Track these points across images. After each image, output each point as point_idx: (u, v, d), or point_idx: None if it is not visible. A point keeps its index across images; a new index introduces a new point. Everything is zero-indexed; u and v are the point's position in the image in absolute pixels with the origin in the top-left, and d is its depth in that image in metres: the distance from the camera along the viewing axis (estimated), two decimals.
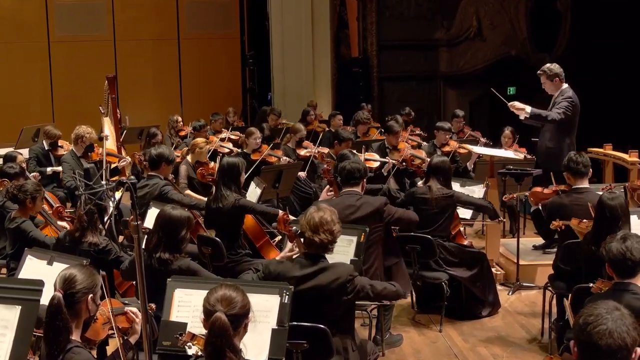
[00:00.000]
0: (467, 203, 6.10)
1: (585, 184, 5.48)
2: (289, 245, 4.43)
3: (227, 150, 9.32)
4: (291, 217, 5.22)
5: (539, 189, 6.05)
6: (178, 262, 4.31)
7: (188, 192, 7.37)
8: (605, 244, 3.70)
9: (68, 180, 7.94)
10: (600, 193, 5.25)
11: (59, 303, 3.08)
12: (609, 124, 11.07)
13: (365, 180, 5.43)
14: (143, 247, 4.16)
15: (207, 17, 15.40)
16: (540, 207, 5.94)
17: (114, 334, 3.44)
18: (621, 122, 11.36)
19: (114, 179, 7.40)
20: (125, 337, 3.50)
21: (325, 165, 7.45)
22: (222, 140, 9.89)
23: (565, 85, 7.19)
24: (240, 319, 2.94)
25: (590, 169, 5.59)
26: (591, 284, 4.08)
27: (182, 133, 10.68)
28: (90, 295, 3.22)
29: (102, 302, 3.38)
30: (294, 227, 4.27)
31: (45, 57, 14.48)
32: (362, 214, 5.09)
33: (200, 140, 7.98)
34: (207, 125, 10.24)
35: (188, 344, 3.01)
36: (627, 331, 2.34)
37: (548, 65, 7.27)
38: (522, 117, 7.35)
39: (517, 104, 7.18)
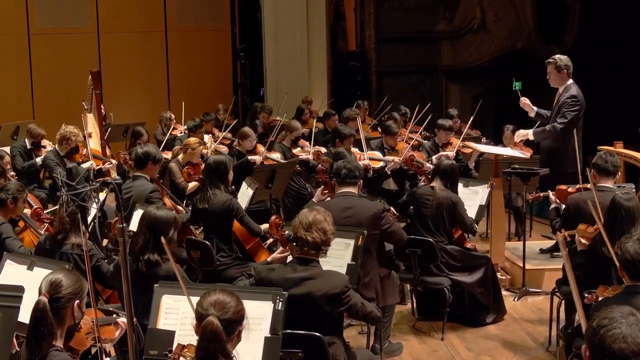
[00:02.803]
0: (459, 217, 6.08)
1: (609, 184, 5.52)
2: (281, 248, 4.45)
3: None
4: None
5: (563, 186, 6.08)
6: (166, 266, 4.31)
7: (190, 185, 7.47)
8: (620, 244, 3.71)
9: (59, 177, 7.93)
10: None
11: (44, 308, 3.11)
12: (618, 121, 11.06)
13: (362, 181, 5.44)
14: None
15: (196, 9, 15.37)
16: (559, 205, 5.98)
17: (97, 344, 3.45)
18: (631, 119, 11.35)
19: (98, 180, 7.39)
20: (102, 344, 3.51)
21: (320, 165, 7.45)
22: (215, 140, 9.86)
23: (570, 81, 7.23)
24: (233, 324, 2.95)
25: (619, 172, 5.66)
26: (586, 294, 4.09)
27: (175, 132, 10.57)
28: (77, 301, 3.23)
29: (86, 310, 3.39)
30: (286, 232, 4.28)
31: (24, 50, 14.42)
32: (360, 220, 5.08)
33: (193, 140, 7.98)
34: (203, 126, 10.18)
35: None
36: None
37: (559, 55, 7.33)
38: (531, 115, 7.47)
39: (525, 100, 7.48)
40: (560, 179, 6.52)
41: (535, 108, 7.51)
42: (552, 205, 6.12)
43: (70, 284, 3.23)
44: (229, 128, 10.39)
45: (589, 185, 5.77)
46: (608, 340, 2.36)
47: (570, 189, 5.99)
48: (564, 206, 5.94)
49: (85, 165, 7.92)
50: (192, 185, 7.57)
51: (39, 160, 8.65)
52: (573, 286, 3.36)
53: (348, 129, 8.64)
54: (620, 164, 7.83)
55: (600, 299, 3.99)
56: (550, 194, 6.17)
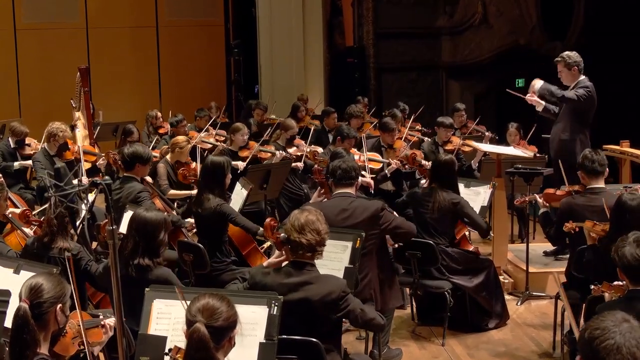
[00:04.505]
0: (467, 216, 6.06)
1: (600, 184, 5.50)
2: (277, 252, 4.44)
3: (209, 146, 9.28)
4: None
5: (551, 190, 6.08)
6: (157, 271, 4.30)
7: (172, 191, 7.37)
8: (617, 248, 3.71)
9: (43, 179, 7.93)
10: (617, 194, 5.28)
11: (25, 314, 3.08)
12: (625, 118, 11.08)
13: (359, 181, 5.44)
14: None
15: (188, 3, 15.38)
16: (548, 209, 5.99)
17: (84, 349, 3.43)
18: (637, 118, 11.37)
19: (92, 179, 7.38)
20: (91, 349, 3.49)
21: (316, 165, 7.44)
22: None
23: (582, 77, 7.27)
24: (223, 331, 2.92)
25: (607, 169, 5.63)
26: (592, 286, 4.11)
27: (162, 130, 10.59)
28: (59, 305, 3.21)
29: (71, 313, 3.37)
30: (281, 234, 4.28)
31: (11, 46, 14.42)
32: (357, 221, 5.06)
33: (181, 138, 7.94)
34: (185, 119, 10.19)
35: None
36: (637, 345, 2.29)
37: (567, 52, 7.36)
38: (539, 109, 7.46)
39: (535, 97, 7.42)
40: (565, 171, 6.51)
41: (543, 102, 7.44)
42: (541, 210, 6.10)
43: (51, 287, 3.20)
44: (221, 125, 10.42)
45: (577, 187, 5.78)
46: (602, 353, 2.29)
47: (558, 192, 5.99)
48: (549, 209, 5.95)
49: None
50: (174, 192, 7.41)
51: (16, 164, 8.67)
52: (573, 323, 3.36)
53: (353, 131, 8.61)
54: (627, 164, 7.87)
55: (606, 294, 3.99)
56: (537, 197, 6.17)
